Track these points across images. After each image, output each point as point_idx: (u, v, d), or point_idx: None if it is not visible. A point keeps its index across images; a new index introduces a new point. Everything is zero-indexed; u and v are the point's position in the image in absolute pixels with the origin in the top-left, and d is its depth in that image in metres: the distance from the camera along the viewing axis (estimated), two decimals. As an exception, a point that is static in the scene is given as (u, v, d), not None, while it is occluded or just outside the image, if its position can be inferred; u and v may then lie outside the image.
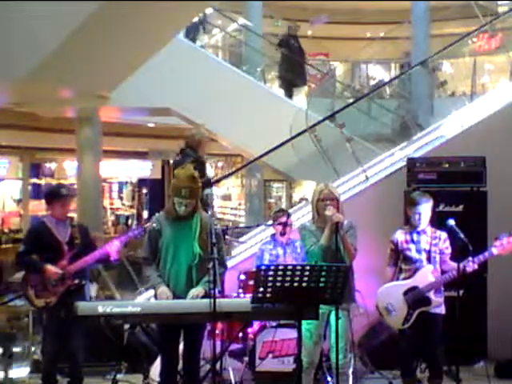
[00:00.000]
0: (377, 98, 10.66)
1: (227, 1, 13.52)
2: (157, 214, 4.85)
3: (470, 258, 4.88)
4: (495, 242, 5.00)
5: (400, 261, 5.17)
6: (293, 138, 8.24)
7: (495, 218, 6.34)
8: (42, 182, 18.17)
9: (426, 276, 5.02)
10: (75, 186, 13.35)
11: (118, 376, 5.80)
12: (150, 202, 19.74)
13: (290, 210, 7.11)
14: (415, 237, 5.13)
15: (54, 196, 5.28)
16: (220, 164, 21.02)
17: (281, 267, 4.14)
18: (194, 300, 4.53)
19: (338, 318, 4.61)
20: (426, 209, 5.09)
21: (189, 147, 6.92)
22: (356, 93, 13.04)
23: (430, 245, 5.09)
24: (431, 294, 5.01)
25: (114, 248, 5.32)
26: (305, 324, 4.57)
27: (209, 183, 7.28)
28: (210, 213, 4.83)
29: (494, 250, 4.97)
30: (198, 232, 4.65)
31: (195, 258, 4.62)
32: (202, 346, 4.80)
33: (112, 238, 5.65)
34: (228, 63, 12.08)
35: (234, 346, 5.75)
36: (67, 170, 18.16)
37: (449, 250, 5.10)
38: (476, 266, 4.92)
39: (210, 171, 21.18)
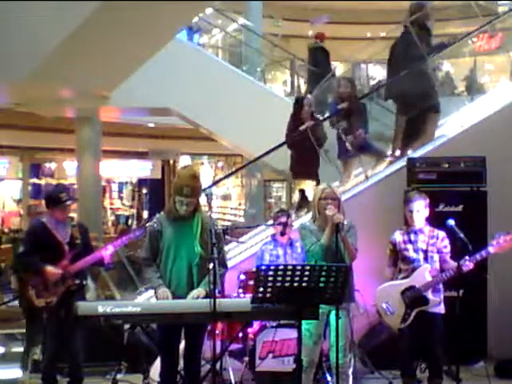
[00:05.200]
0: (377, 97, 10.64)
1: (227, 1, 13.53)
2: (157, 215, 4.85)
3: (467, 257, 4.88)
4: (492, 241, 5.01)
5: (399, 261, 5.17)
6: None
7: (495, 218, 6.34)
8: (42, 182, 18.20)
9: (423, 275, 5.02)
10: (75, 186, 13.38)
11: (118, 376, 5.80)
12: (150, 202, 19.76)
13: (290, 210, 7.12)
14: (413, 236, 5.13)
15: (54, 202, 5.27)
16: (220, 164, 21.04)
17: (281, 267, 4.14)
18: (194, 300, 4.53)
19: (338, 317, 4.62)
20: (418, 206, 5.09)
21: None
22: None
23: (428, 244, 5.09)
24: (429, 294, 5.01)
25: (108, 253, 5.33)
26: (304, 324, 4.57)
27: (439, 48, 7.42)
28: (209, 213, 4.81)
29: (491, 249, 4.97)
30: (199, 232, 4.64)
31: (196, 258, 4.62)
32: (202, 346, 4.80)
33: (112, 239, 5.66)
34: (228, 63, 12.08)
35: (234, 346, 5.75)
36: (67, 170, 18.18)
37: (447, 249, 5.10)
38: (472, 265, 4.91)
39: (210, 171, 21.22)
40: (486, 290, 6.37)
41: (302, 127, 7.66)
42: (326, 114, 8.50)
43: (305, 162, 7.73)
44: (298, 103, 7.98)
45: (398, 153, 7.67)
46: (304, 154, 7.70)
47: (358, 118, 7.72)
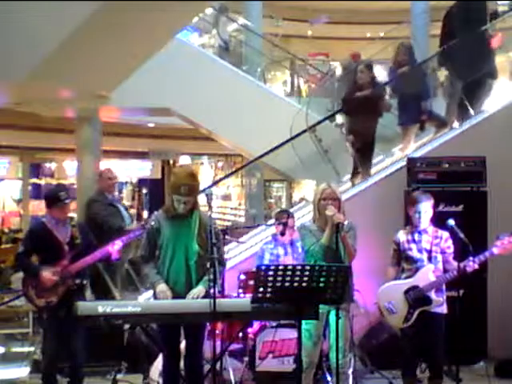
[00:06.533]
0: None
1: (227, 1, 13.51)
2: (155, 213, 4.86)
3: (471, 258, 4.88)
4: (496, 242, 5.00)
5: (402, 261, 5.17)
6: (293, 138, 8.25)
7: (495, 218, 6.34)
8: (42, 182, 18.19)
9: (427, 275, 5.02)
10: (75, 186, 13.36)
11: (118, 376, 5.80)
12: (150, 202, 19.75)
13: (291, 210, 7.12)
14: (416, 236, 5.13)
15: (54, 200, 5.27)
16: (220, 164, 21.02)
17: (281, 267, 4.14)
18: (194, 300, 4.53)
19: (338, 317, 4.62)
20: (426, 207, 5.09)
21: None
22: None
23: (431, 244, 5.09)
24: (432, 294, 5.00)
25: (115, 248, 5.34)
26: (304, 324, 4.57)
27: None
28: (210, 213, 4.81)
29: (495, 250, 4.97)
30: (197, 230, 4.64)
31: (194, 256, 4.62)
32: (203, 344, 4.79)
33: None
34: (228, 63, 12.07)
35: (234, 346, 5.75)
36: (67, 170, 18.16)
37: (451, 250, 5.09)
38: (476, 266, 4.91)
39: (210, 171, 21.21)
40: (486, 290, 6.37)
41: (360, 93, 7.56)
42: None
43: (362, 128, 7.63)
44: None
45: (454, 121, 7.66)
46: (362, 120, 7.59)
47: (418, 83, 7.71)
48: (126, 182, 20.32)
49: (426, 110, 7.75)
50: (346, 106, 7.78)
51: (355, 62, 11.55)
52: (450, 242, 5.10)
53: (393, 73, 8.05)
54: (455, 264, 4.96)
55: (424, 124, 7.99)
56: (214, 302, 4.22)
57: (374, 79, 7.71)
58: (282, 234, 6.18)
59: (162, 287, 4.60)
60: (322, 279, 4.10)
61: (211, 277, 4.31)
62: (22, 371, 6.17)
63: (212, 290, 4.29)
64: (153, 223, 4.73)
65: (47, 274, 5.13)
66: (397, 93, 7.92)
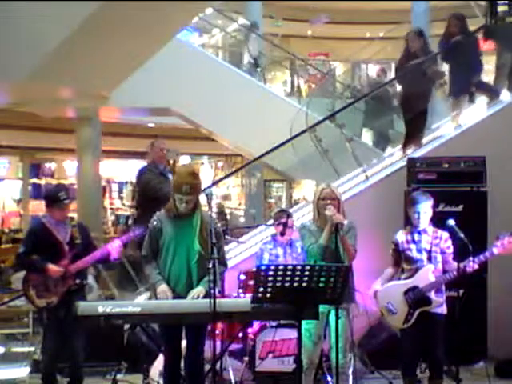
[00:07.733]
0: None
1: (227, 1, 13.53)
2: (158, 213, 4.86)
3: (471, 258, 4.88)
4: (496, 242, 4.99)
5: (402, 261, 5.16)
6: (293, 137, 8.24)
7: (495, 218, 6.34)
8: (42, 181, 18.19)
9: (427, 276, 5.02)
10: (75, 186, 13.38)
11: (118, 376, 5.80)
12: (150, 202, 19.72)
13: (291, 210, 7.12)
14: (416, 237, 5.12)
15: (53, 200, 5.27)
16: (220, 164, 21.03)
17: (281, 267, 4.14)
18: (194, 300, 4.53)
19: (337, 317, 4.62)
20: (425, 208, 5.08)
21: None
22: (356, 93, 13.02)
23: (431, 244, 5.08)
24: (432, 294, 5.00)
25: (115, 247, 5.33)
26: (304, 324, 4.57)
27: None
28: (210, 213, 4.81)
29: (495, 250, 4.96)
30: (199, 229, 4.64)
31: (195, 256, 4.62)
32: (204, 344, 4.79)
33: (112, 238, 5.65)
34: (228, 63, 12.08)
35: (234, 346, 5.75)
36: (67, 170, 18.18)
37: (450, 250, 5.09)
38: (476, 266, 4.90)
39: (210, 171, 21.21)
40: (485, 290, 6.37)
41: (413, 62, 7.60)
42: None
43: (415, 96, 7.67)
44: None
45: (505, 93, 7.68)
46: (415, 88, 7.64)
47: (471, 54, 7.74)
48: (126, 182, 20.31)
49: (475, 82, 7.76)
50: (399, 74, 7.90)
51: (379, 78, 11.59)
52: (449, 243, 5.09)
53: (444, 45, 8.02)
54: (455, 264, 4.95)
55: (473, 96, 7.99)
56: (214, 302, 4.22)
57: (426, 46, 7.75)
58: (282, 234, 6.17)
59: (162, 287, 4.60)
60: (321, 279, 4.10)
61: (211, 277, 4.31)
62: (22, 371, 6.17)
63: (212, 291, 4.29)
64: (155, 223, 4.73)
65: (53, 266, 5.13)
66: (448, 63, 7.93)
